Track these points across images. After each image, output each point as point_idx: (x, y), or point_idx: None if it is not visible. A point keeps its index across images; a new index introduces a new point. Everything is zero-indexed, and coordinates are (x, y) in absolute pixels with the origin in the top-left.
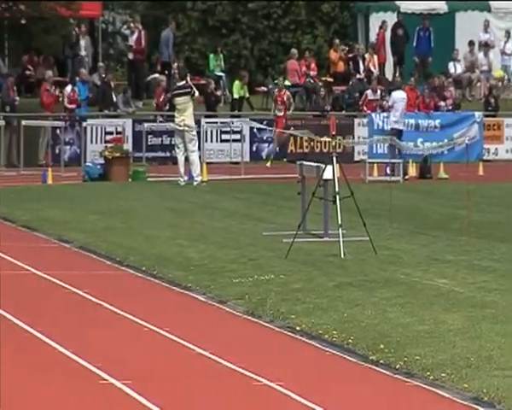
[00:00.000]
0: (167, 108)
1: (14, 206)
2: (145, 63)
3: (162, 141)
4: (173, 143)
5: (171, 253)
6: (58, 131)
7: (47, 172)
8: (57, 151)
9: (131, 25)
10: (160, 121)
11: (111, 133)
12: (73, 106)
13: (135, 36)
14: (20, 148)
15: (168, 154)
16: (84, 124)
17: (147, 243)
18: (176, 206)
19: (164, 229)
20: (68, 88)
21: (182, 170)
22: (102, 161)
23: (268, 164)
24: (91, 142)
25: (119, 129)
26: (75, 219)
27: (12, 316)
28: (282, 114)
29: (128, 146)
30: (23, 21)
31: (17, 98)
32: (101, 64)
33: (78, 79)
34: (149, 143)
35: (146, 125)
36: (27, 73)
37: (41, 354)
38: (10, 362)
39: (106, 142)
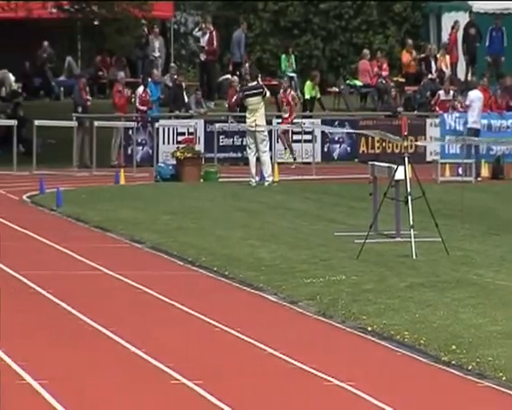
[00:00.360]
0: (239, 108)
1: (86, 206)
2: (217, 64)
3: (234, 141)
4: (245, 143)
5: (243, 253)
6: (130, 131)
7: (119, 173)
8: (129, 152)
9: (203, 26)
10: (232, 122)
11: (183, 134)
12: (145, 107)
13: (206, 37)
14: (92, 148)
15: (239, 154)
16: (156, 125)
17: (218, 244)
18: (247, 206)
19: (235, 229)
20: (140, 89)
21: (253, 170)
22: (174, 162)
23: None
24: (163, 142)
25: (191, 130)
26: (147, 219)
27: (85, 316)
28: (287, 115)
29: (200, 147)
30: (96, 22)
31: (90, 99)
32: (172, 65)
33: (150, 79)
34: (221, 144)
35: (217, 125)
36: (100, 74)
37: (113, 354)
38: (83, 362)
39: (178, 142)
